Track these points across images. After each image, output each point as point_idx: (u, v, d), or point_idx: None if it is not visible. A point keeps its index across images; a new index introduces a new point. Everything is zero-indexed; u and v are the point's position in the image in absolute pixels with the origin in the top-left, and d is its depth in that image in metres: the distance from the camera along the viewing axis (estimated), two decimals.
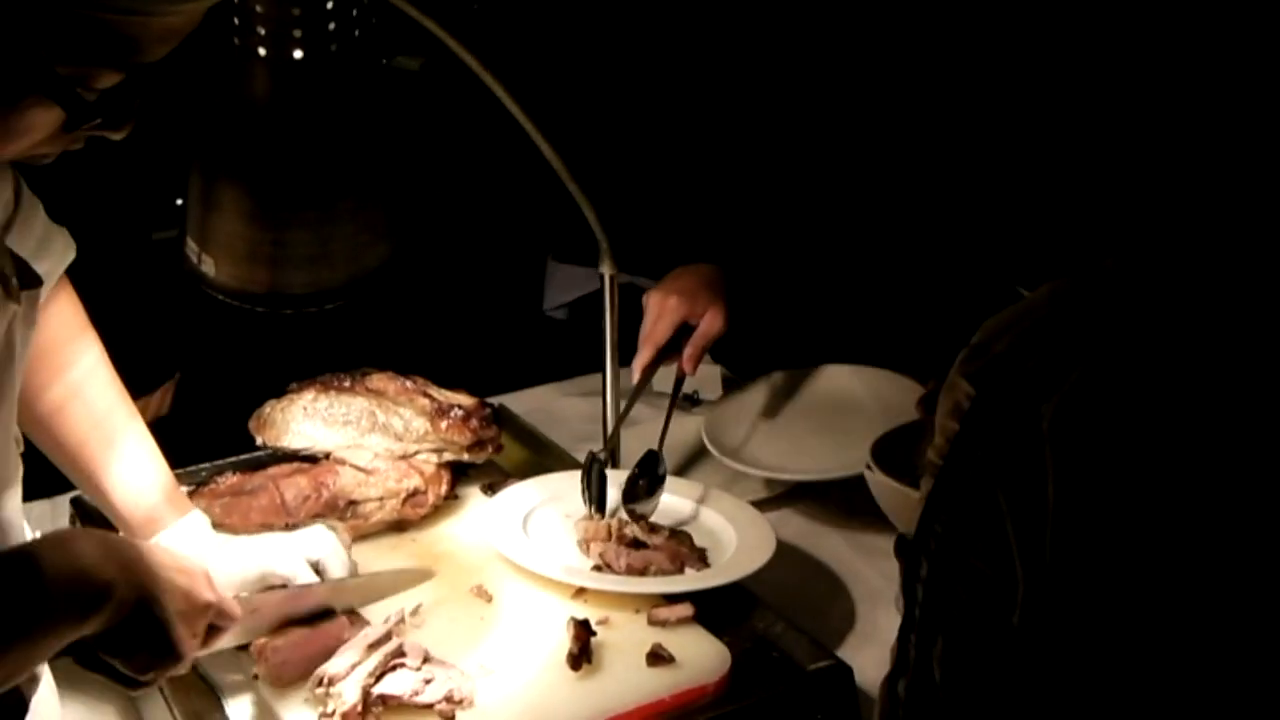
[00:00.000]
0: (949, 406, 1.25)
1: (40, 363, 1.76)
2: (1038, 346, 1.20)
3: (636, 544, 2.03)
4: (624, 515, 2.12)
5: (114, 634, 1.44)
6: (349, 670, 1.70)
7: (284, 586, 1.86)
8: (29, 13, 1.20)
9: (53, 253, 1.70)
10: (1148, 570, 1.17)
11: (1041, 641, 1.21)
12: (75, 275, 1.74)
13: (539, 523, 2.13)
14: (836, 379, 2.65)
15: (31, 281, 1.58)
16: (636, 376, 2.39)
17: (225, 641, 1.67)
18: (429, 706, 1.70)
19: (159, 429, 1.91)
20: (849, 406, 2.56)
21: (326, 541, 1.93)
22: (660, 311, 2.43)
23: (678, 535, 2.08)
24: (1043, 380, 1.18)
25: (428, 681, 1.71)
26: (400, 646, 1.75)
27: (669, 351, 2.43)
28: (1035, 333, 1.21)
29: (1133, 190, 1.31)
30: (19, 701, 1.52)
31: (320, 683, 1.70)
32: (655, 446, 2.24)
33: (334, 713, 1.67)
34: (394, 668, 1.72)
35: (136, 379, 2.76)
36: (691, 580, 1.96)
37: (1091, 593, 1.19)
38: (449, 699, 1.70)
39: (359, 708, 1.67)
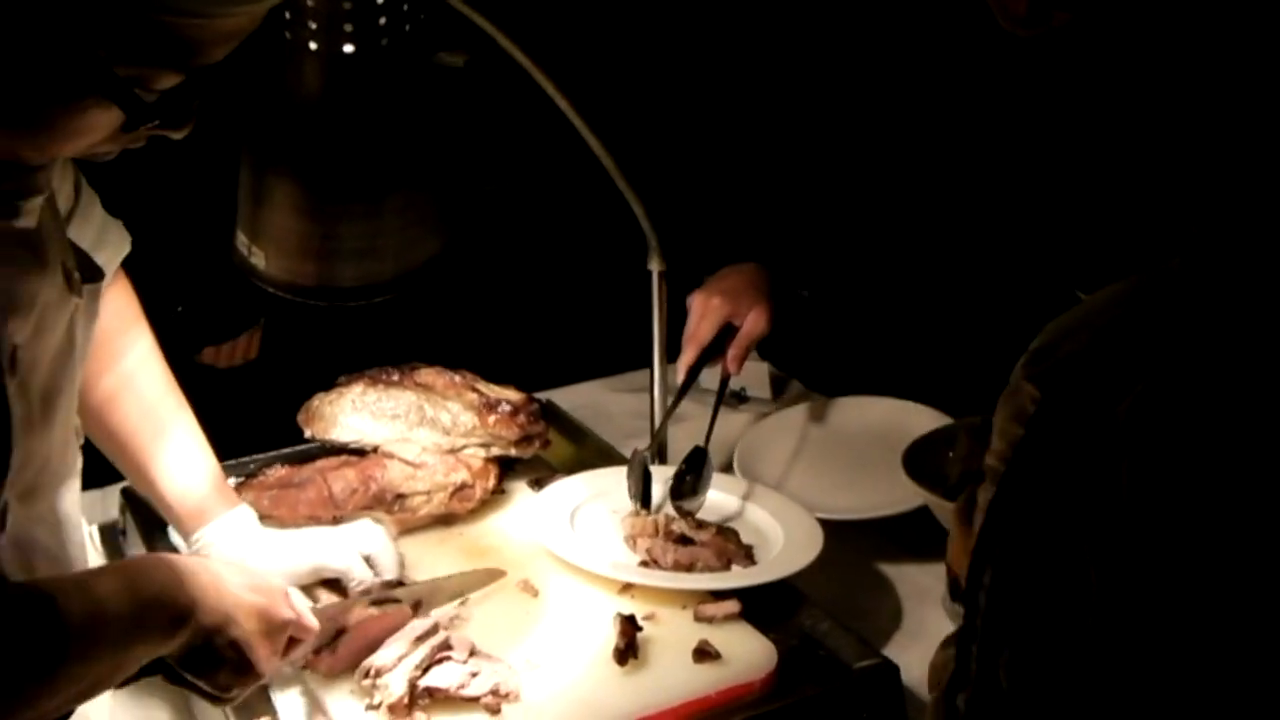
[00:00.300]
0: (1012, 411, 1.22)
1: (93, 352, 1.78)
2: (1109, 347, 1.17)
3: (683, 540, 2.03)
4: (670, 512, 2.12)
5: (196, 654, 1.48)
6: (396, 662, 1.71)
7: (337, 582, 1.87)
8: (89, 14, 1.21)
9: (110, 244, 1.72)
10: (1226, 572, 1.14)
11: (1117, 645, 1.18)
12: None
13: (586, 518, 2.13)
14: (869, 410, 2.62)
15: (93, 275, 1.59)
16: (681, 376, 2.39)
17: (303, 650, 1.69)
18: (475, 699, 1.70)
19: (209, 420, 1.92)
20: (880, 438, 2.52)
21: (376, 536, 1.94)
22: (704, 311, 2.43)
23: (725, 532, 2.08)
24: (1116, 381, 1.15)
25: (474, 675, 1.72)
26: (447, 640, 1.75)
27: (714, 352, 2.43)
28: (1106, 334, 1.18)
29: (1195, 190, 1.29)
30: None
31: (367, 674, 1.70)
32: (702, 443, 2.24)
33: (381, 704, 1.68)
34: (441, 661, 1.73)
35: (224, 324, 2.80)
36: (738, 577, 1.96)
37: (1169, 594, 1.16)
38: (495, 692, 1.70)
39: (405, 700, 1.67)
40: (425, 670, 1.71)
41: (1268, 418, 1.13)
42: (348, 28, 1.45)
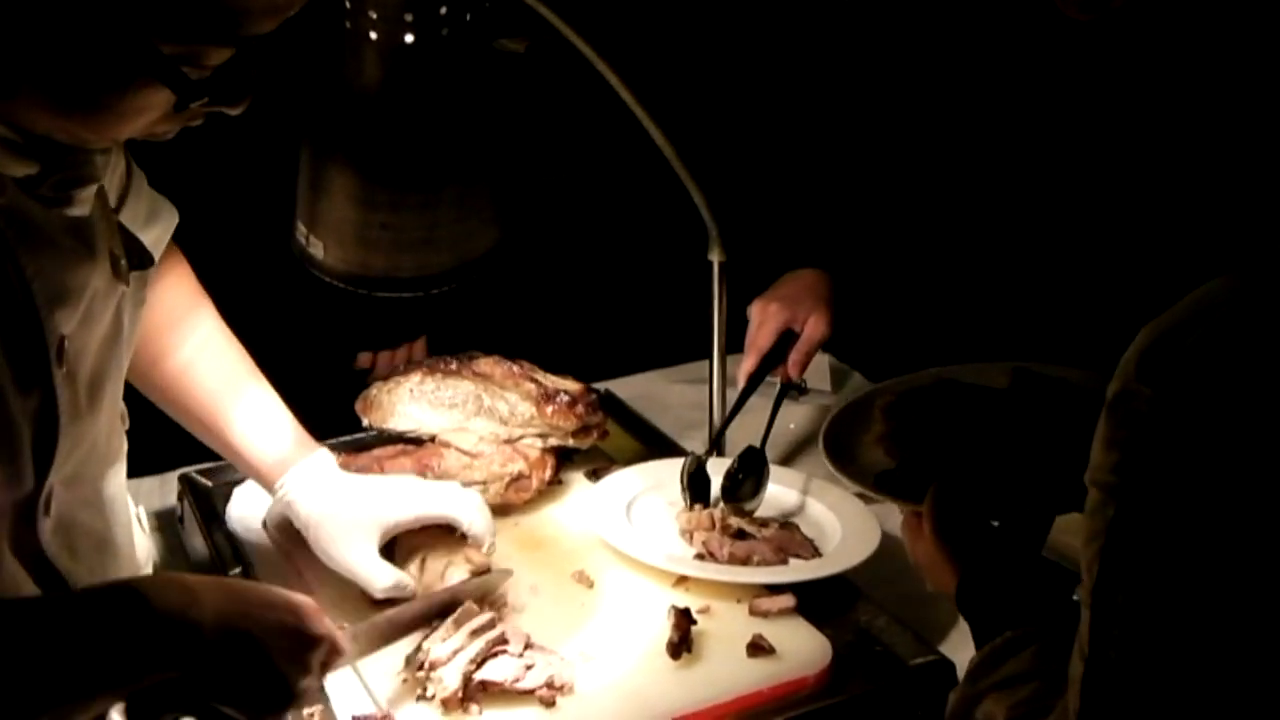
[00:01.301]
0: (1120, 418, 1.17)
1: (159, 331, 1.81)
2: (1229, 342, 1.13)
3: (741, 534, 2.02)
4: (728, 508, 2.11)
5: (218, 680, 1.40)
6: (451, 656, 1.70)
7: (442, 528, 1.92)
8: None
9: (160, 220, 1.74)
10: None
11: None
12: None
13: (642, 510, 2.13)
14: None
15: (142, 262, 1.60)
16: (741, 383, 2.38)
17: (343, 664, 1.61)
18: (530, 693, 1.70)
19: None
20: None
21: (471, 497, 1.96)
22: (763, 318, 2.42)
23: (788, 526, 2.07)
24: (1240, 377, 1.11)
25: (529, 668, 1.71)
26: (503, 634, 1.75)
27: (775, 358, 2.42)
28: (1223, 329, 1.14)
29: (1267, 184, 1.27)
30: None
31: (420, 667, 1.70)
32: (759, 441, 2.23)
33: (434, 697, 1.68)
34: (495, 654, 1.73)
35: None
36: (794, 571, 1.95)
37: None
38: (550, 685, 1.70)
39: (460, 694, 1.67)
40: (480, 664, 1.71)
41: None
42: (408, 18, 1.45)
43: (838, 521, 2.11)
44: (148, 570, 1.82)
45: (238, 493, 2.13)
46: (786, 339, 2.41)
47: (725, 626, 1.84)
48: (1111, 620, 1.17)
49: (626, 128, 2.02)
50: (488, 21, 1.53)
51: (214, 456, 1.98)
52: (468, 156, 1.54)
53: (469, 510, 1.93)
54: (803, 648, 1.80)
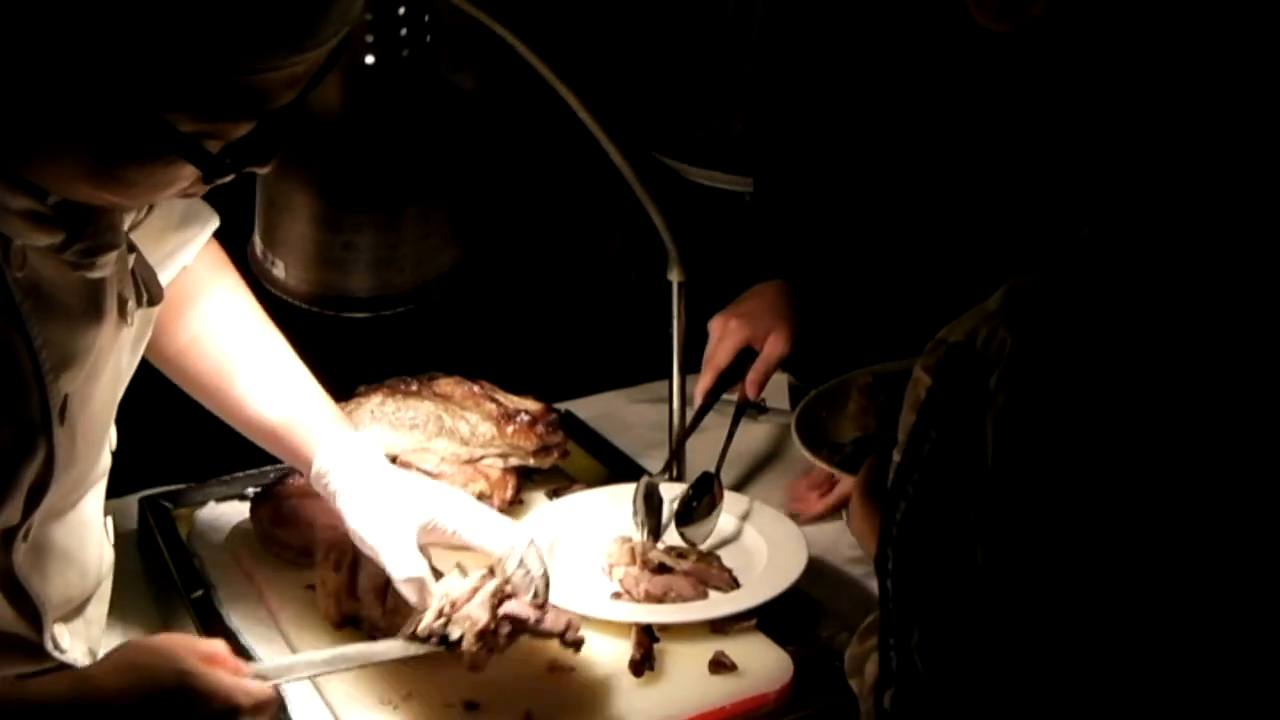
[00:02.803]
0: (910, 402, 1.29)
1: (173, 306, 1.77)
2: (989, 329, 1.24)
3: (661, 568, 2.00)
4: (648, 542, 2.09)
5: None
6: (471, 593, 1.65)
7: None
8: (156, 77, 1.20)
9: (197, 222, 1.75)
10: (1089, 535, 1.21)
11: (1009, 617, 1.24)
12: None
13: (576, 540, 2.10)
14: None
15: (152, 299, 1.60)
16: (698, 401, 2.38)
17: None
18: (553, 634, 1.69)
19: (228, 432, 1.92)
20: None
21: (520, 532, 1.81)
22: (721, 334, 2.41)
23: (707, 557, 2.05)
24: (991, 361, 1.21)
25: (545, 612, 1.69)
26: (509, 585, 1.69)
27: (733, 376, 2.41)
28: (988, 318, 1.25)
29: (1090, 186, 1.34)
30: None
31: (440, 614, 1.65)
32: (715, 463, 2.22)
33: (463, 638, 1.63)
34: (509, 597, 1.67)
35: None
36: (703, 609, 1.92)
37: (1037, 557, 1.22)
38: (571, 627, 1.69)
39: (491, 624, 1.63)
40: (501, 600, 1.66)
41: (1109, 380, 1.20)
42: (369, 39, 1.45)
43: (766, 551, 2.07)
44: (107, 583, 1.81)
45: (200, 515, 2.13)
46: (745, 356, 2.40)
47: (687, 644, 1.85)
48: (886, 579, 1.31)
49: (586, 148, 2.03)
50: (448, 42, 1.54)
51: (177, 478, 1.98)
52: (429, 176, 1.55)
53: (510, 560, 1.72)
54: (764, 664, 1.81)
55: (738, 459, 2.34)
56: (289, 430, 1.83)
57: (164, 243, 1.71)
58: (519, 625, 1.66)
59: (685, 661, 1.82)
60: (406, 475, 1.88)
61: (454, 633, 1.64)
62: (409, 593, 1.69)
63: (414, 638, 1.67)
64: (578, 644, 1.71)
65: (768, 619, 1.89)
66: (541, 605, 1.71)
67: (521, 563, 1.71)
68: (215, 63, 1.20)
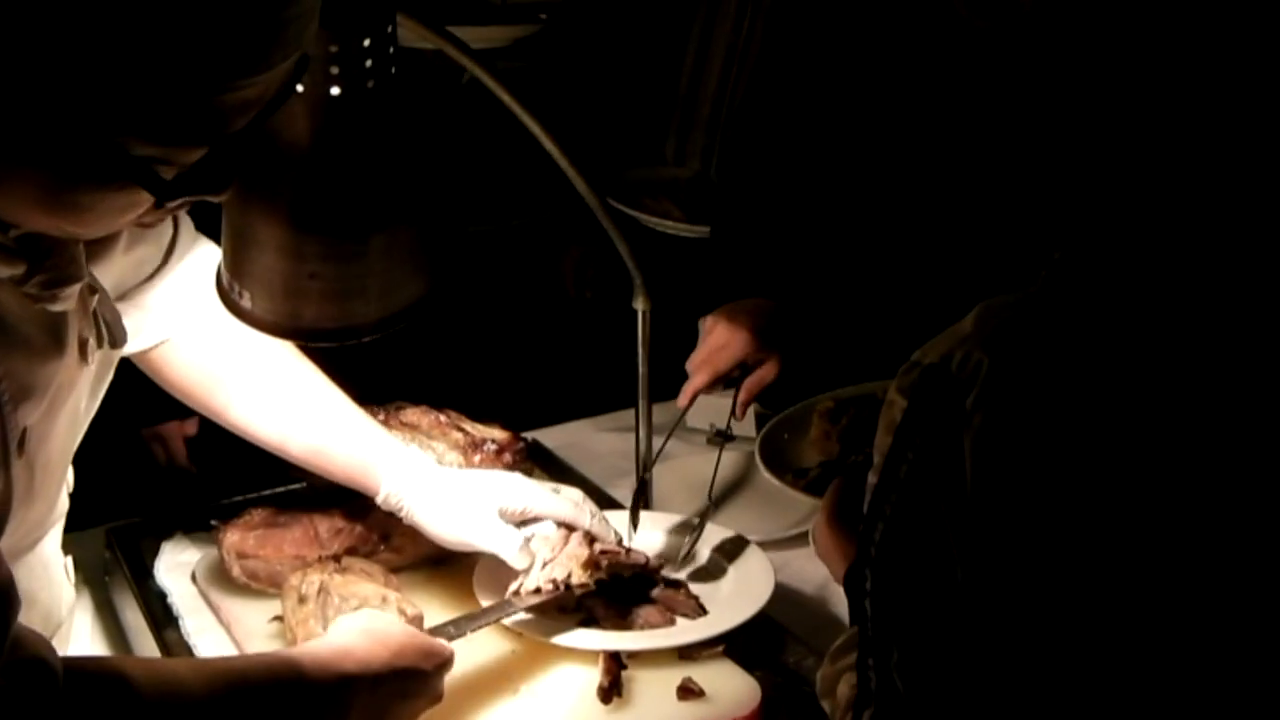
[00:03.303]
0: (885, 424, 1.30)
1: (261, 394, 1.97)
2: (964, 352, 1.25)
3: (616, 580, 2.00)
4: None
5: None
6: (563, 542, 1.95)
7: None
8: (105, 102, 1.20)
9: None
10: (1063, 550, 1.24)
11: (988, 634, 1.26)
12: None
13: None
14: None
15: (114, 342, 1.61)
16: (685, 401, 2.39)
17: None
18: (639, 566, 2.00)
19: (194, 456, 1.93)
20: None
21: (577, 498, 2.05)
22: (728, 340, 2.41)
23: (673, 584, 2.05)
24: (966, 380, 1.22)
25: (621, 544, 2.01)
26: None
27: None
28: (963, 341, 1.26)
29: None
30: None
31: (545, 565, 1.91)
32: (690, 491, 2.23)
33: (570, 575, 1.89)
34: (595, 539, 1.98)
35: None
36: (671, 635, 1.92)
37: (1016, 576, 1.25)
38: (650, 562, 2.01)
39: (591, 559, 1.91)
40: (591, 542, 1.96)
41: (1088, 403, 1.23)
42: (334, 71, 1.45)
43: (733, 577, 2.08)
44: (69, 623, 1.81)
45: (167, 547, 2.13)
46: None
47: (655, 670, 1.85)
48: (863, 600, 1.34)
49: (552, 178, 2.04)
50: (414, 73, 1.54)
51: (142, 511, 1.97)
52: (396, 206, 1.55)
53: (582, 513, 2.00)
54: (732, 690, 1.82)
55: (702, 485, 2.34)
56: (345, 457, 1.99)
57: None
58: (613, 559, 1.94)
59: (653, 688, 1.82)
60: (460, 473, 2.03)
61: (560, 573, 1.88)
62: (523, 561, 1.92)
63: (534, 591, 1.91)
64: (656, 570, 2.02)
65: (735, 644, 1.89)
66: (620, 543, 2.02)
67: (590, 514, 2.00)
68: (167, 86, 1.20)
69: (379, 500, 1.96)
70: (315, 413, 1.99)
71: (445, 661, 1.69)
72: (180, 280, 1.84)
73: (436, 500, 1.94)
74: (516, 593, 1.91)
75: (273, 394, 1.97)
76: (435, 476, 1.97)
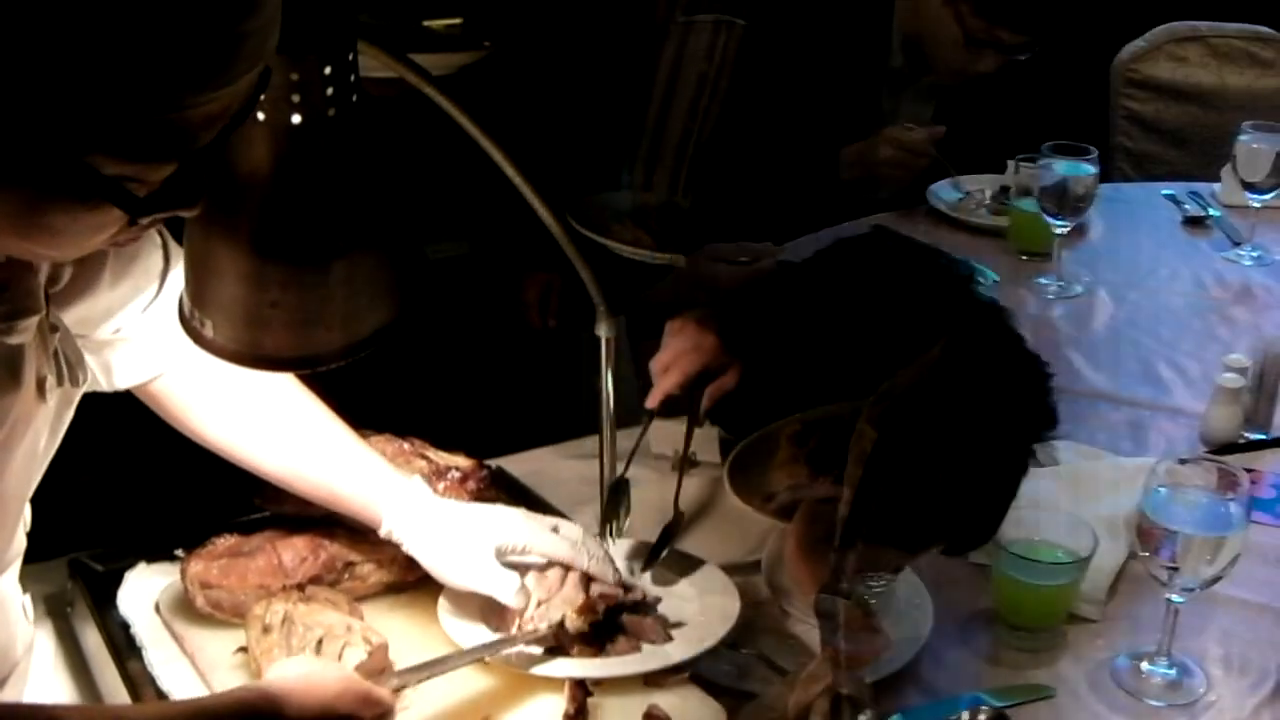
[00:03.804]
0: (855, 456, 1.31)
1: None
2: (933, 383, 1.28)
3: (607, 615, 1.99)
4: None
5: None
6: (559, 583, 1.96)
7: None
8: (72, 121, 1.20)
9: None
10: None
11: None
12: None
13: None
14: None
15: (73, 380, 1.61)
16: (655, 402, 2.39)
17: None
18: (642, 606, 2.02)
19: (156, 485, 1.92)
20: None
21: (576, 533, 2.05)
22: (698, 343, 2.42)
23: (642, 608, 2.04)
24: (934, 410, 1.26)
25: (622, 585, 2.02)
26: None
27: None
28: (929, 373, 1.28)
29: None
30: None
31: (539, 605, 1.92)
32: (655, 517, 2.23)
33: (564, 618, 1.90)
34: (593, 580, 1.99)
35: None
36: (636, 662, 1.93)
37: None
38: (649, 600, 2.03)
39: (588, 602, 1.93)
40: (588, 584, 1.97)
41: None
42: (294, 99, 1.45)
43: (698, 603, 2.08)
44: (27, 660, 1.80)
45: (129, 577, 2.11)
46: None
47: (621, 697, 1.86)
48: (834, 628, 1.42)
49: (514, 205, 2.04)
50: (375, 102, 1.54)
51: (104, 541, 1.96)
52: (357, 234, 1.55)
53: (580, 554, 1.98)
54: (698, 716, 1.82)
55: (667, 511, 2.34)
56: (353, 492, 2.00)
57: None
58: (611, 601, 1.93)
59: (619, 715, 1.82)
60: (460, 508, 2.02)
61: (555, 615, 1.88)
62: (519, 603, 1.92)
63: (527, 633, 1.91)
64: (650, 606, 2.02)
65: (701, 670, 1.89)
66: (620, 583, 2.00)
67: (589, 554, 1.98)
68: (131, 103, 1.20)
69: (381, 534, 1.98)
70: (322, 447, 2.00)
71: (385, 711, 1.68)
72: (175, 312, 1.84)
73: (434, 538, 1.95)
74: (510, 637, 1.92)
75: (277, 428, 1.99)
76: (435, 512, 1.98)
